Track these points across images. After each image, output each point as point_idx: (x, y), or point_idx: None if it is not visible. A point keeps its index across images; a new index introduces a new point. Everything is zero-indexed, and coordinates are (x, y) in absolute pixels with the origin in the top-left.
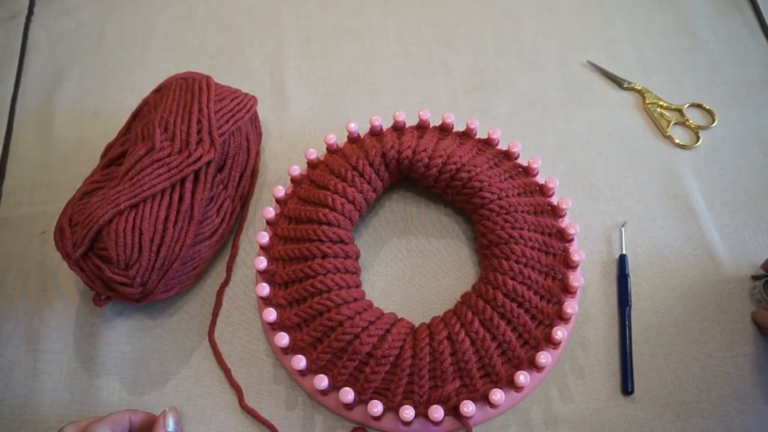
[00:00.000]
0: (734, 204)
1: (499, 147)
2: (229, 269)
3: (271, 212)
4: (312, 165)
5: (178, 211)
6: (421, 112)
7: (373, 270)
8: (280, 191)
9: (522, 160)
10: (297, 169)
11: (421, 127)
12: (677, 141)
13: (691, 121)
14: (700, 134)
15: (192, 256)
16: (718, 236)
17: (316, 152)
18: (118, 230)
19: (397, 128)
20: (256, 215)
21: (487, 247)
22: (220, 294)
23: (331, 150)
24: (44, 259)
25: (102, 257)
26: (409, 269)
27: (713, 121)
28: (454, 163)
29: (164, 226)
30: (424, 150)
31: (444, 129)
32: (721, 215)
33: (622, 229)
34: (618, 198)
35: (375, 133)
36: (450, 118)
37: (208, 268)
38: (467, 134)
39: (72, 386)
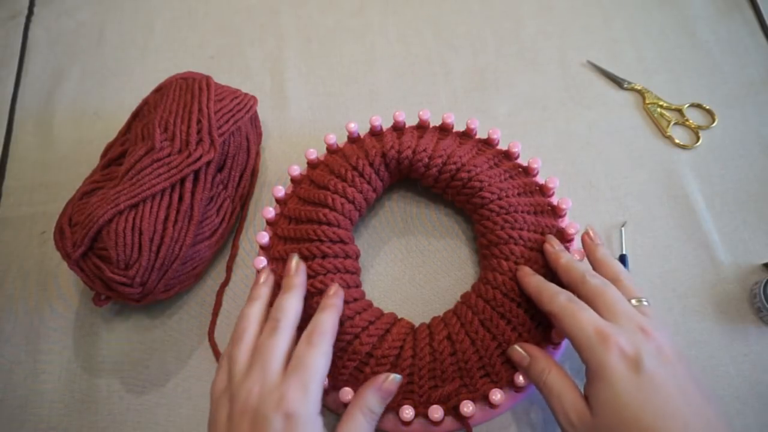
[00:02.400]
0: (734, 204)
1: (499, 147)
2: (229, 269)
3: (271, 212)
4: (312, 165)
5: (177, 211)
6: (421, 112)
7: (373, 270)
8: (280, 191)
9: (522, 160)
10: (297, 169)
11: (421, 127)
12: (677, 141)
13: (691, 121)
14: (700, 134)
15: (192, 256)
16: (718, 236)
17: (316, 152)
18: (118, 230)
19: (397, 128)
20: (256, 215)
21: (486, 247)
22: (220, 294)
23: (331, 150)
24: (44, 259)
25: (102, 257)
26: (409, 269)
27: (713, 121)
28: (454, 163)
29: (164, 226)
30: (424, 150)
31: (444, 129)
32: (721, 215)
33: (622, 229)
34: (618, 198)
35: (375, 133)
36: (450, 118)
37: (208, 268)
38: (467, 134)
39: (72, 386)
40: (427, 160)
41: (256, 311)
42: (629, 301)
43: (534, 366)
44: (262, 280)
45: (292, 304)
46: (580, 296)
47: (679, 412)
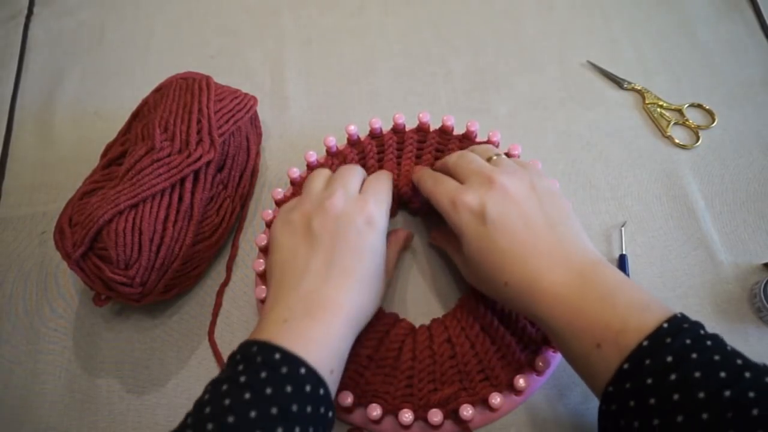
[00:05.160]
0: (734, 204)
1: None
2: (229, 269)
3: (270, 215)
4: (311, 168)
5: (177, 211)
6: (420, 115)
7: None
8: (279, 194)
9: None
10: (296, 172)
11: (421, 130)
12: (677, 141)
13: (691, 121)
14: (700, 134)
15: (192, 256)
16: (718, 236)
17: (315, 154)
18: (118, 230)
19: (397, 131)
20: (257, 215)
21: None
22: (220, 294)
23: (331, 153)
24: (44, 259)
25: (102, 257)
26: (409, 270)
27: (713, 121)
28: None
29: (164, 226)
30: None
31: (444, 132)
32: (721, 215)
33: (622, 229)
34: (618, 198)
35: (375, 135)
36: (450, 121)
37: (208, 268)
38: (467, 137)
39: (72, 386)
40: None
41: (325, 171)
42: (485, 159)
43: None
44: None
45: (362, 171)
46: (451, 176)
47: (520, 242)
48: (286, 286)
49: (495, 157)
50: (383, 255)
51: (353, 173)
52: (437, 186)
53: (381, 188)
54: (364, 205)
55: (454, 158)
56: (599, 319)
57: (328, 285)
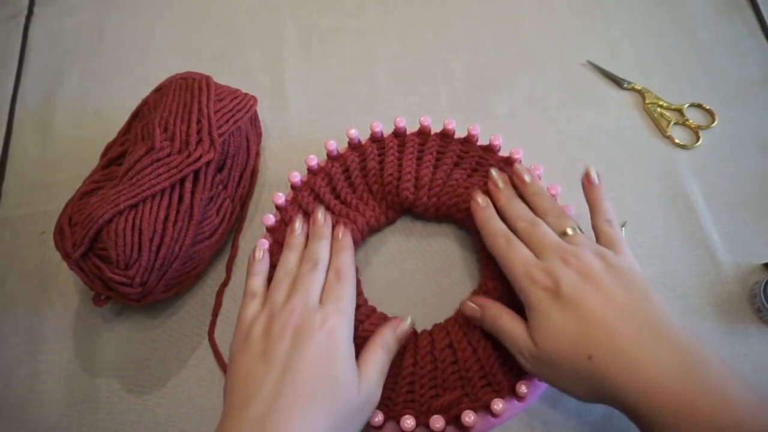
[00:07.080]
0: (734, 204)
1: (501, 153)
2: (229, 269)
3: (271, 219)
4: (312, 172)
5: (177, 211)
6: (422, 118)
7: (373, 271)
8: (280, 198)
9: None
10: (297, 176)
11: (422, 133)
12: (677, 141)
13: (691, 121)
14: (700, 134)
15: (192, 256)
16: (718, 236)
17: (316, 158)
18: (118, 230)
19: (398, 134)
20: (256, 215)
21: (487, 256)
22: (220, 294)
23: (332, 156)
24: (44, 259)
25: (102, 257)
26: (409, 270)
27: (713, 121)
28: (446, 194)
29: (164, 226)
30: (413, 185)
31: (445, 135)
32: (721, 215)
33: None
34: (618, 198)
35: (375, 139)
36: (451, 125)
37: (208, 268)
38: (468, 140)
39: (72, 386)
40: (412, 197)
41: (294, 256)
42: (559, 233)
43: (486, 314)
44: (297, 231)
45: (325, 249)
46: (516, 235)
47: (602, 320)
48: (237, 409)
49: (570, 231)
50: (350, 365)
51: (313, 278)
52: (512, 252)
53: (342, 294)
54: (325, 319)
55: (525, 225)
56: (711, 417)
57: (279, 406)
